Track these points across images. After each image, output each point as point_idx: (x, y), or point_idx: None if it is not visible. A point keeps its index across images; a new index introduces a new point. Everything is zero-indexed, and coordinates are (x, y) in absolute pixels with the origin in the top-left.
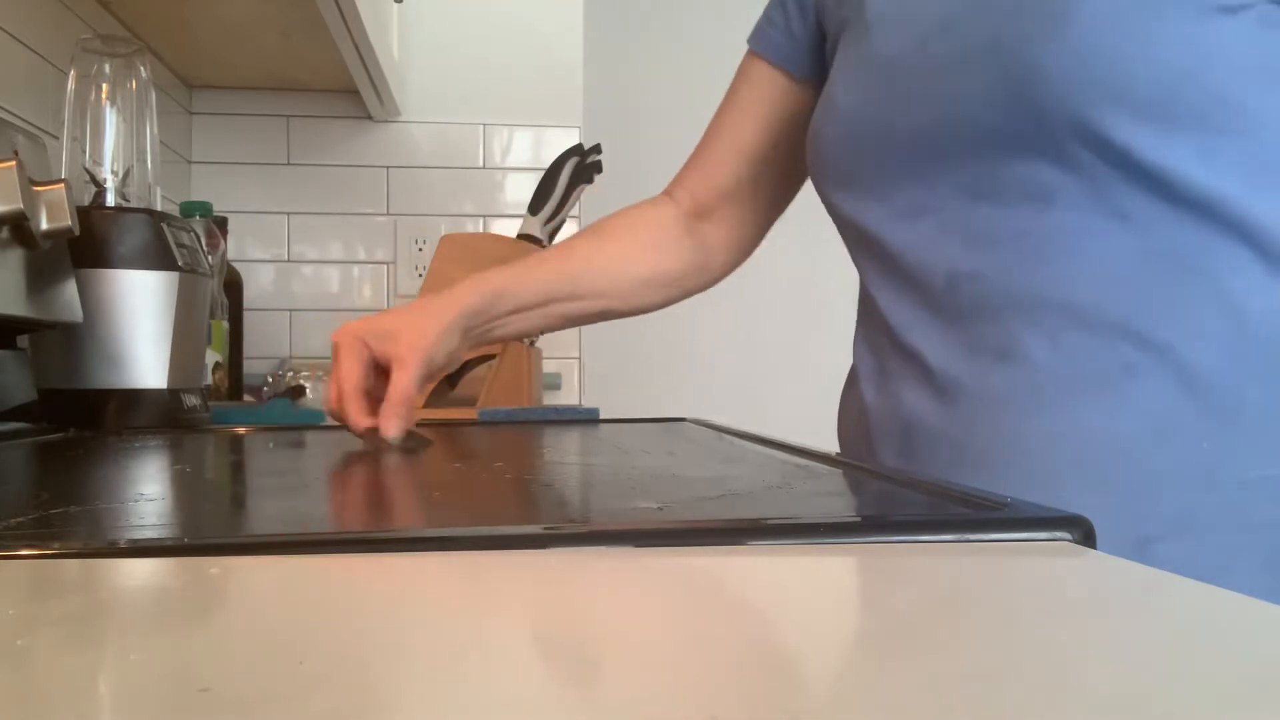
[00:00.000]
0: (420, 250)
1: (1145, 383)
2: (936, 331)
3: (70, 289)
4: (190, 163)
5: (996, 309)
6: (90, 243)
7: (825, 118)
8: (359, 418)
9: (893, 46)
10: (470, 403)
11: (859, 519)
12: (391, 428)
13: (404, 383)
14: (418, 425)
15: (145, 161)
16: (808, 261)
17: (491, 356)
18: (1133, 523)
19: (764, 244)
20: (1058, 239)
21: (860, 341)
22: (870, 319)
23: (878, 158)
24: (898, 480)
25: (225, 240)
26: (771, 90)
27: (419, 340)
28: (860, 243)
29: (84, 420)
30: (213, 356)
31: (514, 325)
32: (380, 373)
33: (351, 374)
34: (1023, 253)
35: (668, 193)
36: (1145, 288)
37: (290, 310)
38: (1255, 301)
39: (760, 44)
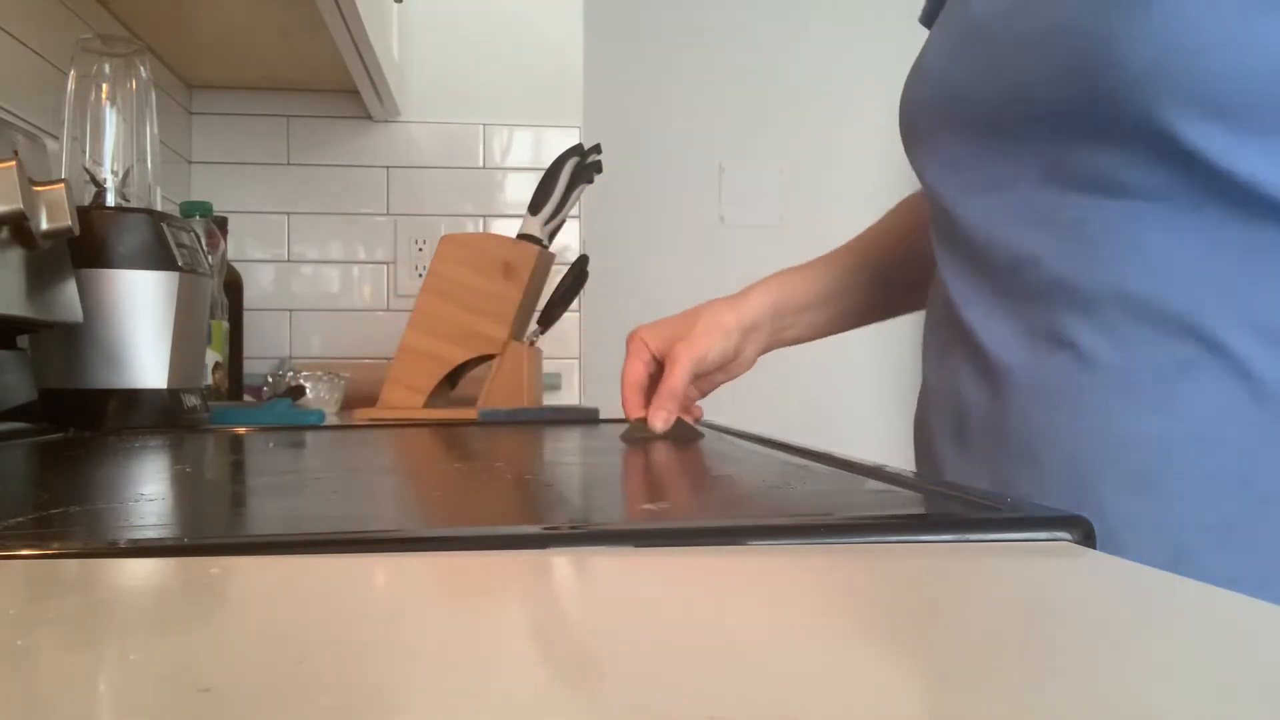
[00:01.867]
0: (420, 250)
1: (1199, 383)
2: (998, 314)
3: (70, 289)
4: (190, 163)
5: (1055, 296)
6: (90, 243)
7: (913, 77)
8: (634, 410)
9: (984, 11)
10: (470, 403)
11: (859, 519)
12: (658, 420)
13: (670, 379)
14: (701, 423)
15: (145, 161)
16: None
17: (491, 356)
18: (1171, 530)
19: (762, 245)
20: (1120, 228)
21: (929, 320)
22: (938, 296)
23: (956, 125)
24: (898, 480)
25: (225, 240)
26: None
27: (691, 342)
28: (936, 213)
29: (84, 420)
30: (213, 356)
31: (803, 323)
32: (661, 370)
33: (633, 371)
34: (1083, 240)
35: None
36: (1208, 283)
37: (290, 310)
38: None
39: (923, 18)
